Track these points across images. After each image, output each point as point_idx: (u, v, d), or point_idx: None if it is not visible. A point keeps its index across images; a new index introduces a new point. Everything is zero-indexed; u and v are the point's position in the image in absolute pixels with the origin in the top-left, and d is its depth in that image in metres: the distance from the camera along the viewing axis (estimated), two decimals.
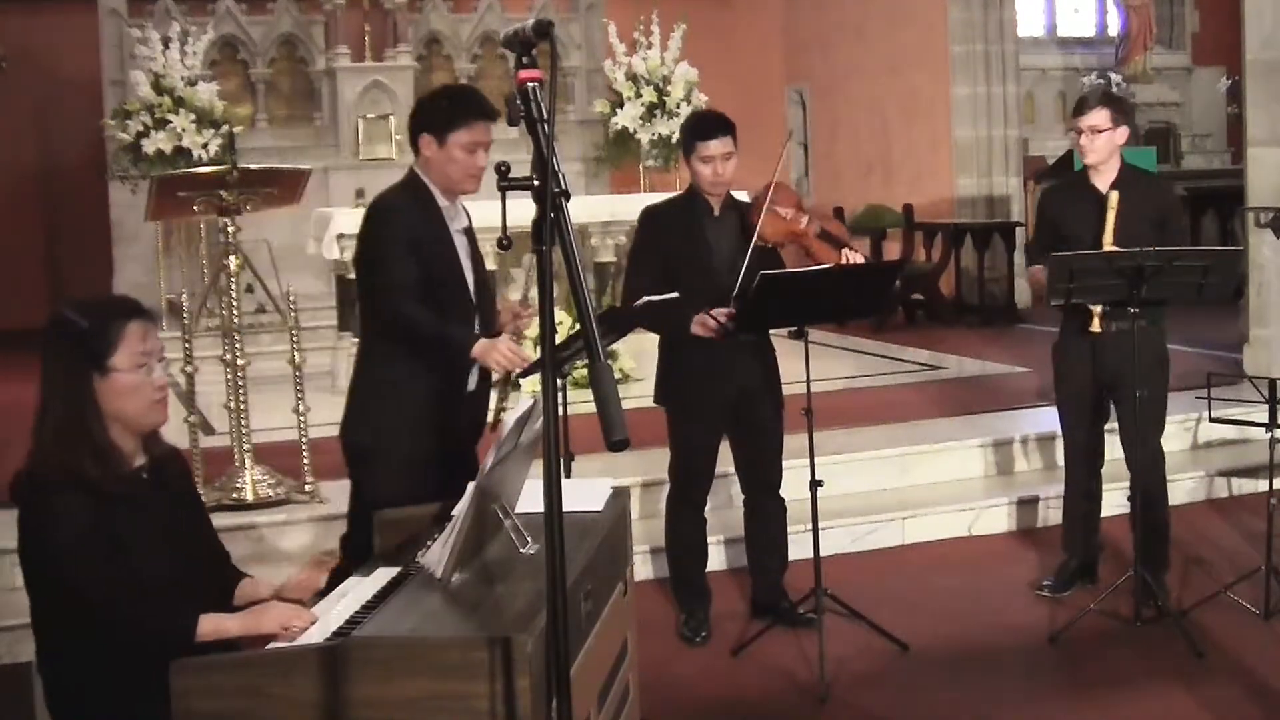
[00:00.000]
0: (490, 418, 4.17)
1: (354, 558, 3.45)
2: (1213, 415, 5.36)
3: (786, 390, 4.99)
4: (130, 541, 2.82)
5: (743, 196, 5.09)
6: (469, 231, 4.18)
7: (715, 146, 4.72)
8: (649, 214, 4.96)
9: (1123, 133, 5.05)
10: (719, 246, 4.80)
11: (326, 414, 4.10)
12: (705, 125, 4.79)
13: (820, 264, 4.73)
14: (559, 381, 3.91)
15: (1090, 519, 5.37)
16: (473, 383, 4.13)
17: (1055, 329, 5.40)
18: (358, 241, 4.14)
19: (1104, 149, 5.03)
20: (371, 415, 4.06)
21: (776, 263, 4.83)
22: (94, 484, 2.80)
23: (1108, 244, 4.88)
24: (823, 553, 4.77)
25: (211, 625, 2.80)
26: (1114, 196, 4.93)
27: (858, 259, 4.84)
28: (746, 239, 4.72)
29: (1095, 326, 5.02)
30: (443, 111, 4.02)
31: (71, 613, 2.78)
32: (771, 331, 4.95)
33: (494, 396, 4.19)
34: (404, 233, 3.97)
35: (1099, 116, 5.00)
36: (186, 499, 3.12)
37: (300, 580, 3.07)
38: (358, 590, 2.94)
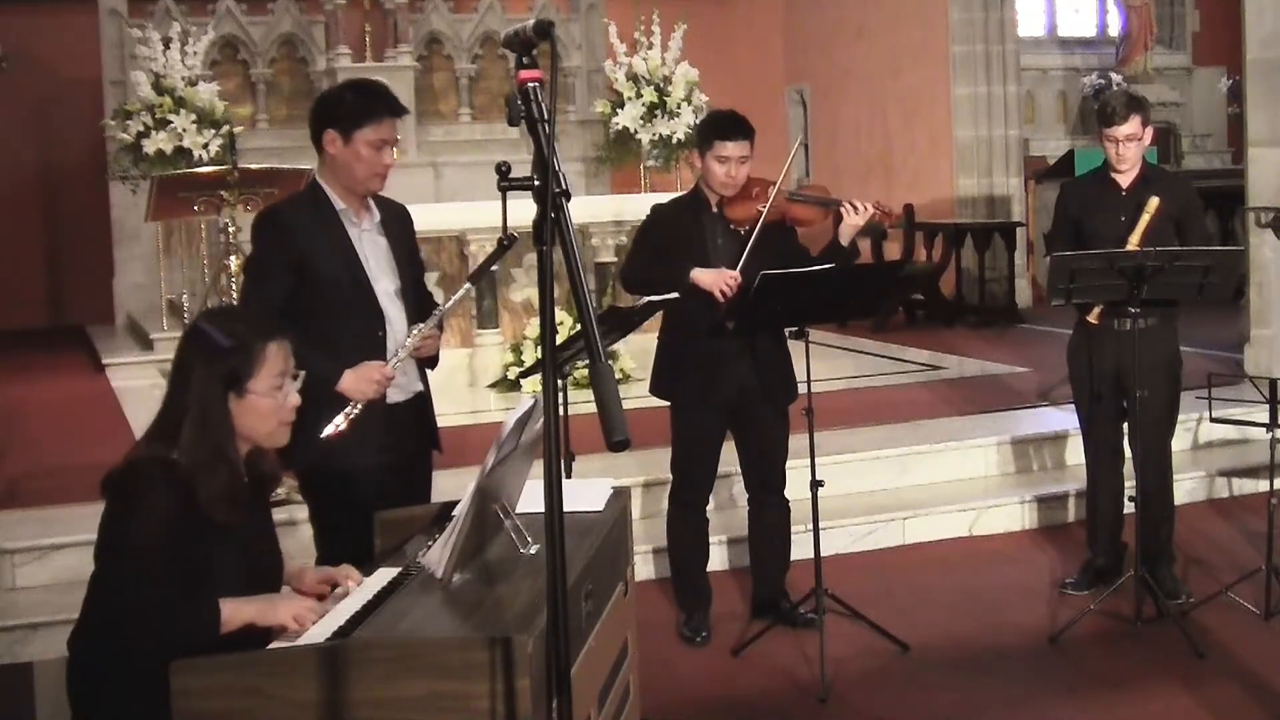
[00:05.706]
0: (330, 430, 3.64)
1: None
2: (1213, 415, 5.35)
3: None
4: (204, 562, 2.78)
5: None
6: (388, 227, 3.90)
7: (734, 148, 4.71)
8: (656, 210, 4.99)
9: (1149, 134, 5.07)
10: (715, 243, 4.80)
11: None
12: (728, 125, 4.77)
13: (806, 224, 4.81)
14: (559, 381, 3.89)
15: (1115, 519, 5.29)
16: (398, 396, 3.86)
17: (1054, 329, 5.40)
18: None
19: (1137, 155, 5.05)
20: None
21: (782, 246, 4.80)
22: (205, 503, 2.77)
23: (1134, 245, 4.85)
24: (823, 553, 4.77)
25: (229, 611, 2.77)
26: (1154, 202, 4.91)
27: (859, 208, 4.78)
28: (737, 235, 4.73)
29: (1093, 318, 5.04)
30: (350, 106, 3.75)
31: (113, 601, 2.76)
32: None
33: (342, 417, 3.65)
34: (278, 249, 3.74)
35: (1133, 125, 4.99)
36: (265, 516, 3.10)
37: (332, 573, 3.05)
38: (358, 591, 2.95)
